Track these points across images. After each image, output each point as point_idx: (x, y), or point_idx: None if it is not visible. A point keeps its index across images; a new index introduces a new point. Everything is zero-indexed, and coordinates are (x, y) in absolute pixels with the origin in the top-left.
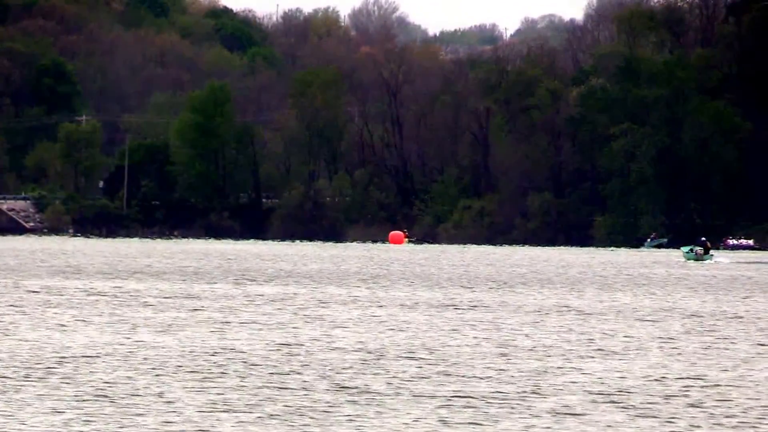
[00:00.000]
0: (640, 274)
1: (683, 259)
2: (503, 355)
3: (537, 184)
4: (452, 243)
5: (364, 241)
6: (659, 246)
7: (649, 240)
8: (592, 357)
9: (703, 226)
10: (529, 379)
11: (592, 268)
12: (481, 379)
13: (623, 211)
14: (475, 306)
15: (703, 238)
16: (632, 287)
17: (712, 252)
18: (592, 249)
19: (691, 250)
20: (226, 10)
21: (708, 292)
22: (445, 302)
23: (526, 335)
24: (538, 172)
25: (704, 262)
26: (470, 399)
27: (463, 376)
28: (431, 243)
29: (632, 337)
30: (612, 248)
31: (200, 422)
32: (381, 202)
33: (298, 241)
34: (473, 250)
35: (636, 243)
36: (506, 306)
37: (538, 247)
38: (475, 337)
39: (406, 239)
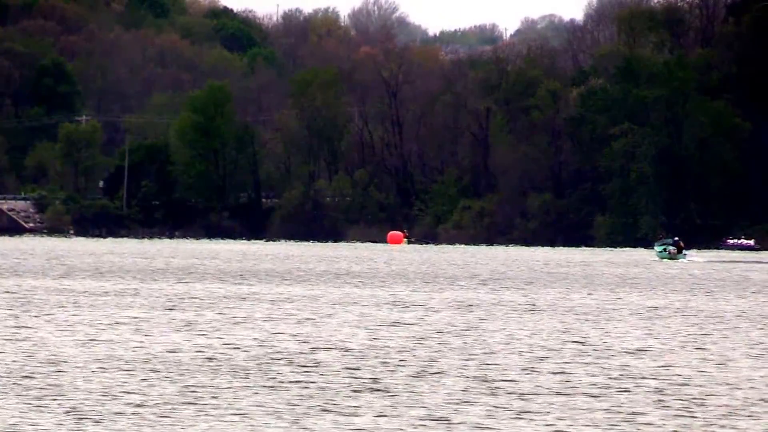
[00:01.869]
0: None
1: (657, 258)
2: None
3: (537, 184)
4: (452, 243)
5: (363, 241)
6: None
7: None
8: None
9: (703, 226)
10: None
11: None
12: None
13: (623, 212)
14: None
15: (676, 238)
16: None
17: (685, 251)
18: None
19: (665, 249)
20: (226, 11)
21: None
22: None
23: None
24: (538, 172)
25: (677, 260)
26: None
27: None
28: (431, 243)
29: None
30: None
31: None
32: (381, 203)
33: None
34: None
35: (646, 244)
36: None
37: (548, 248)
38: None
39: (405, 239)
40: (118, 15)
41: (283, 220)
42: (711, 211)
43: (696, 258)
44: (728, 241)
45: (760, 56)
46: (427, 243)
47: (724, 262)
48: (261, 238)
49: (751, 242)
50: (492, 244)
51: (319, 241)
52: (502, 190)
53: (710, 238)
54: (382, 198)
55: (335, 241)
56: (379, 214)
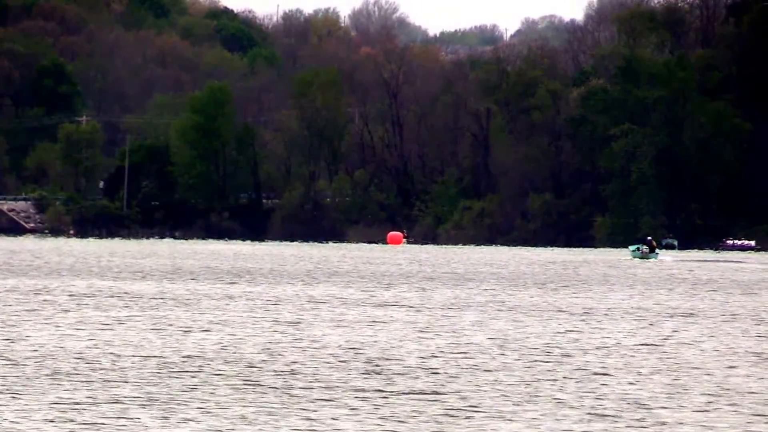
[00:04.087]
0: None
1: (630, 257)
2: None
3: (537, 184)
4: (452, 244)
5: (364, 242)
6: (668, 247)
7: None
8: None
9: (704, 226)
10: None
11: None
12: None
13: (624, 212)
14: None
15: (649, 237)
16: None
17: (657, 251)
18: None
19: (638, 248)
20: (227, 11)
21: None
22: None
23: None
24: (539, 172)
25: (649, 260)
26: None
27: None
28: (430, 244)
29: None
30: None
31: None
32: (381, 203)
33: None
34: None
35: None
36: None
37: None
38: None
39: (405, 240)
40: (118, 16)
41: (283, 220)
42: (711, 211)
43: (666, 258)
44: (727, 241)
45: (761, 56)
46: (427, 243)
47: (693, 261)
48: (261, 239)
49: (752, 243)
50: (492, 245)
51: (319, 241)
52: (502, 191)
53: (710, 239)
54: (383, 198)
55: (336, 241)
56: (380, 214)
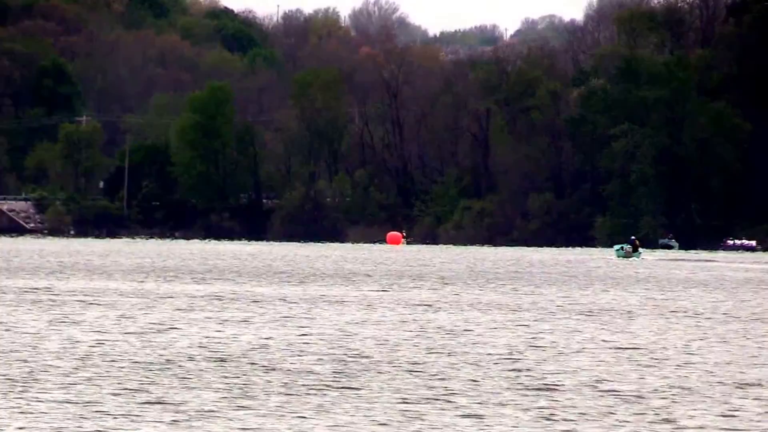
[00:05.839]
0: None
1: (614, 257)
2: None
3: (537, 184)
4: (452, 244)
5: (364, 242)
6: (665, 247)
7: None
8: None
9: (704, 226)
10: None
11: None
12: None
13: (624, 212)
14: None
15: (633, 237)
16: None
17: (640, 250)
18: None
19: (621, 248)
20: (227, 11)
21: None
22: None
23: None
24: (539, 172)
25: (633, 259)
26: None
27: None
28: (429, 244)
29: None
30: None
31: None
32: (381, 203)
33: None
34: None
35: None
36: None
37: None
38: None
39: (404, 240)
40: (118, 15)
41: (283, 220)
42: (711, 211)
43: (648, 257)
44: (728, 241)
45: (761, 56)
46: (426, 244)
47: (672, 260)
48: (261, 239)
49: (753, 243)
50: (492, 245)
51: (319, 241)
52: (502, 191)
53: (711, 239)
54: (383, 198)
55: (336, 241)
56: (380, 214)
